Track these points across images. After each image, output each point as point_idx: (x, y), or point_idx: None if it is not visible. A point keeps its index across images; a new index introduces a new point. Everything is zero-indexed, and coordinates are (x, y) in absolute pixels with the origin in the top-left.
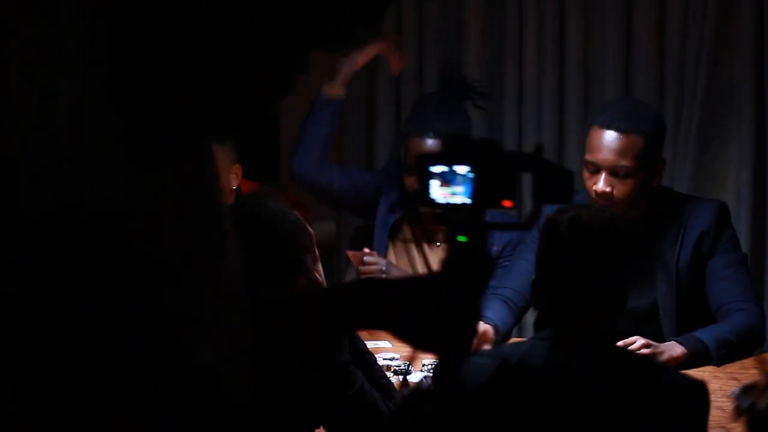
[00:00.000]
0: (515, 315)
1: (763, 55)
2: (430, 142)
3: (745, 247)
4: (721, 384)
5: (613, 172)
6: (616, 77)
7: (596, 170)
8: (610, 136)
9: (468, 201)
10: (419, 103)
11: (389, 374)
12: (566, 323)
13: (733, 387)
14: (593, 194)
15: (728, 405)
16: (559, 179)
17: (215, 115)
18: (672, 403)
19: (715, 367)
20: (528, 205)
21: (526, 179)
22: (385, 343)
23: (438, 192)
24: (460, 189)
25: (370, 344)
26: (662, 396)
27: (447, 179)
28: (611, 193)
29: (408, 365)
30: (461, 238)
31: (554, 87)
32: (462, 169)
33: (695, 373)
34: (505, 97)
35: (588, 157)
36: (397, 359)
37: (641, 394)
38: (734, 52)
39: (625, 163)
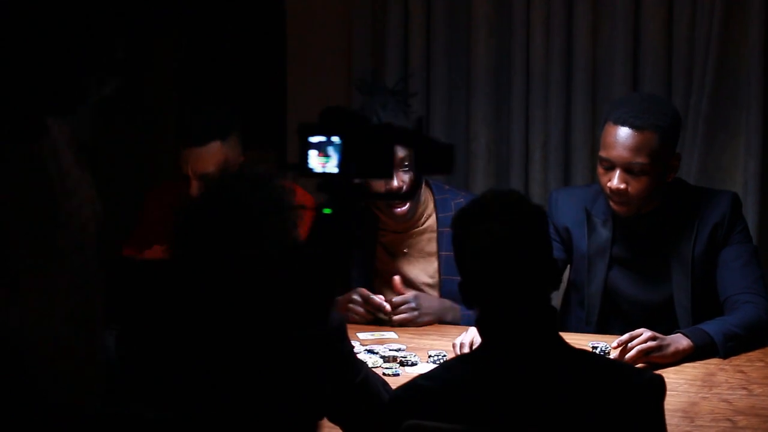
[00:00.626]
0: None
1: None
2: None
3: (752, 238)
4: (727, 377)
5: (628, 169)
6: (624, 70)
7: (611, 167)
8: (624, 133)
9: (335, 170)
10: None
11: (395, 365)
12: (502, 331)
13: (740, 380)
14: (608, 191)
15: (735, 397)
16: (439, 152)
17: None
18: (626, 401)
19: (721, 360)
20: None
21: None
22: (391, 334)
23: (315, 161)
24: (334, 159)
25: (377, 335)
26: (615, 394)
27: (323, 149)
28: (626, 189)
29: (414, 356)
30: (326, 210)
31: (561, 80)
32: (337, 140)
33: (702, 365)
34: (512, 90)
35: (602, 153)
36: (403, 350)
37: (593, 394)
38: (742, 45)
39: (640, 160)
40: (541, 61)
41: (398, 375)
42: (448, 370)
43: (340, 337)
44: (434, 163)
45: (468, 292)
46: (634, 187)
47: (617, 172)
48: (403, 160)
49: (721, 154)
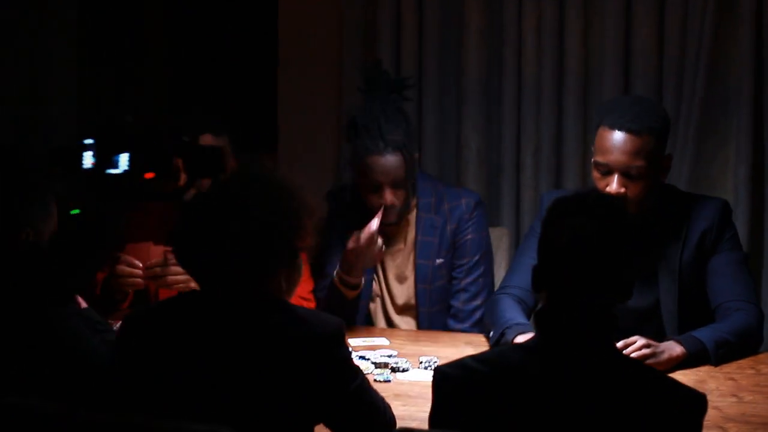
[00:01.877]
0: (527, 314)
1: (761, 56)
2: (389, 159)
3: (742, 245)
4: (718, 384)
5: (626, 173)
6: (614, 77)
7: (608, 171)
8: (622, 138)
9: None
10: (360, 117)
11: (387, 371)
12: (561, 329)
13: (731, 387)
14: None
15: (725, 405)
16: (208, 158)
17: None
18: (669, 415)
19: (711, 367)
20: None
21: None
22: (382, 340)
23: (89, 162)
24: (116, 161)
25: (369, 341)
26: (659, 407)
27: (97, 152)
28: (625, 193)
29: (406, 362)
30: (74, 211)
31: (552, 86)
32: (91, 141)
33: (693, 372)
34: (503, 95)
35: (599, 158)
36: (394, 356)
37: (638, 405)
38: (732, 52)
39: (638, 163)
40: (532, 68)
41: (389, 381)
42: (501, 356)
43: (337, 342)
44: (205, 168)
45: (542, 278)
46: (632, 190)
47: (615, 177)
48: (395, 180)
49: (711, 161)
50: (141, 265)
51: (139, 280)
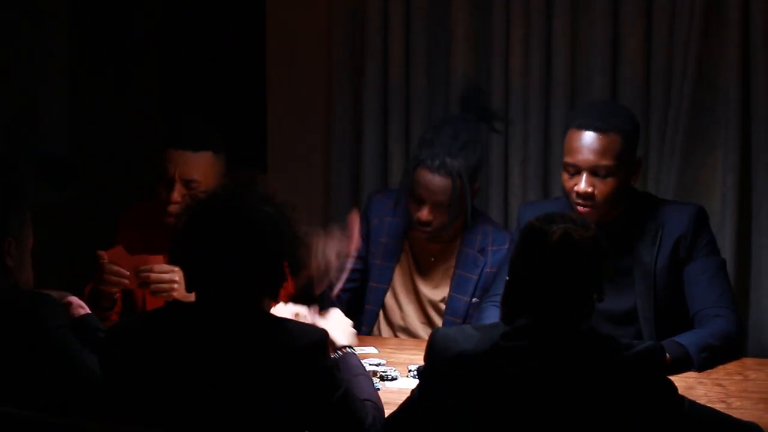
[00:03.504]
0: None
1: (748, 62)
2: (438, 180)
3: (730, 251)
4: (706, 390)
5: (594, 172)
6: (602, 85)
7: (576, 171)
8: (589, 137)
9: None
10: (436, 128)
11: (375, 380)
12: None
13: (719, 393)
14: (574, 195)
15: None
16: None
17: None
18: (634, 375)
19: (700, 374)
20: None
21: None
22: (371, 349)
23: None
24: None
25: (357, 350)
26: (625, 369)
27: None
28: (593, 193)
29: (394, 371)
30: None
31: (540, 94)
32: None
33: (681, 379)
34: (491, 105)
35: (568, 159)
36: (383, 365)
37: (607, 371)
38: (720, 60)
39: (605, 162)
40: (520, 77)
41: (378, 390)
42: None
43: (320, 352)
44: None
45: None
46: (601, 190)
47: (584, 176)
48: (437, 201)
49: (699, 168)
50: (127, 273)
51: (126, 281)
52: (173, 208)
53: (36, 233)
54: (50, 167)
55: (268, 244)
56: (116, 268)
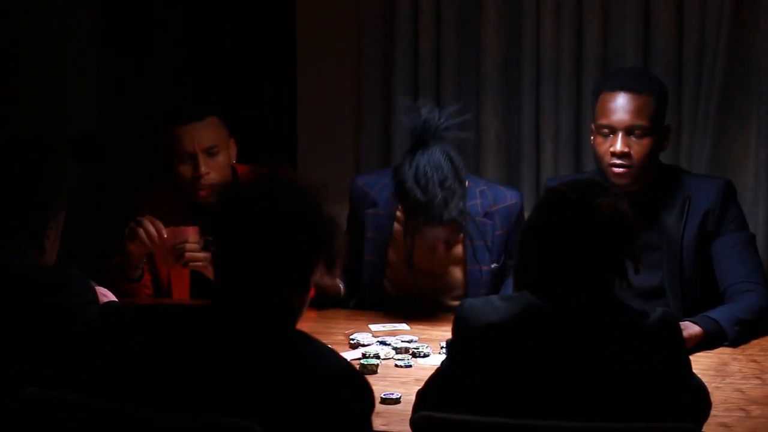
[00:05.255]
0: None
1: None
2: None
3: (763, 227)
4: (741, 366)
5: (630, 131)
6: (634, 60)
7: (612, 132)
8: (624, 98)
9: None
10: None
11: (407, 356)
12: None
13: (754, 369)
14: (608, 157)
15: (748, 387)
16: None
17: None
18: (650, 342)
19: (734, 349)
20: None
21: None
22: (403, 326)
23: None
24: None
25: (389, 326)
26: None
27: None
28: (629, 153)
29: (426, 347)
30: None
31: (572, 70)
32: None
33: (715, 355)
34: (522, 81)
35: (602, 120)
36: (415, 341)
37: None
38: (752, 34)
39: (641, 122)
40: (551, 52)
41: (410, 366)
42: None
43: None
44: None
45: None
46: (637, 150)
47: (620, 136)
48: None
49: (732, 143)
50: (163, 232)
51: (157, 237)
52: (206, 180)
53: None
54: (78, 144)
55: (305, 236)
56: (156, 222)
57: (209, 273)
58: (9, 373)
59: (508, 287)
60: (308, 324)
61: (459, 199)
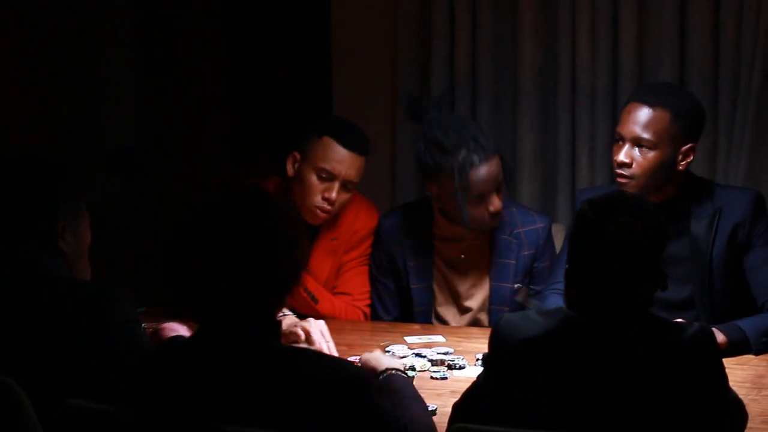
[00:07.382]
0: None
1: None
2: (492, 163)
3: None
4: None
5: (637, 143)
6: (670, 74)
7: (621, 140)
8: (637, 109)
9: None
10: (451, 132)
11: (443, 368)
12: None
13: None
14: (614, 165)
15: None
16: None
17: None
18: (686, 357)
19: (754, 357)
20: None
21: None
22: (438, 338)
23: None
24: None
25: (425, 338)
26: (679, 353)
27: None
28: (630, 164)
29: (462, 359)
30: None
31: (607, 85)
32: None
33: (750, 367)
34: (558, 94)
35: (617, 128)
36: (450, 353)
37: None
38: None
39: (646, 135)
40: (587, 67)
41: (446, 378)
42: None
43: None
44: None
45: (578, 275)
46: (640, 163)
47: (625, 146)
48: (498, 187)
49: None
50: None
51: None
52: (330, 207)
53: (104, 228)
54: (118, 158)
55: (280, 249)
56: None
57: None
58: (52, 384)
59: (552, 304)
60: (346, 336)
61: (486, 138)
